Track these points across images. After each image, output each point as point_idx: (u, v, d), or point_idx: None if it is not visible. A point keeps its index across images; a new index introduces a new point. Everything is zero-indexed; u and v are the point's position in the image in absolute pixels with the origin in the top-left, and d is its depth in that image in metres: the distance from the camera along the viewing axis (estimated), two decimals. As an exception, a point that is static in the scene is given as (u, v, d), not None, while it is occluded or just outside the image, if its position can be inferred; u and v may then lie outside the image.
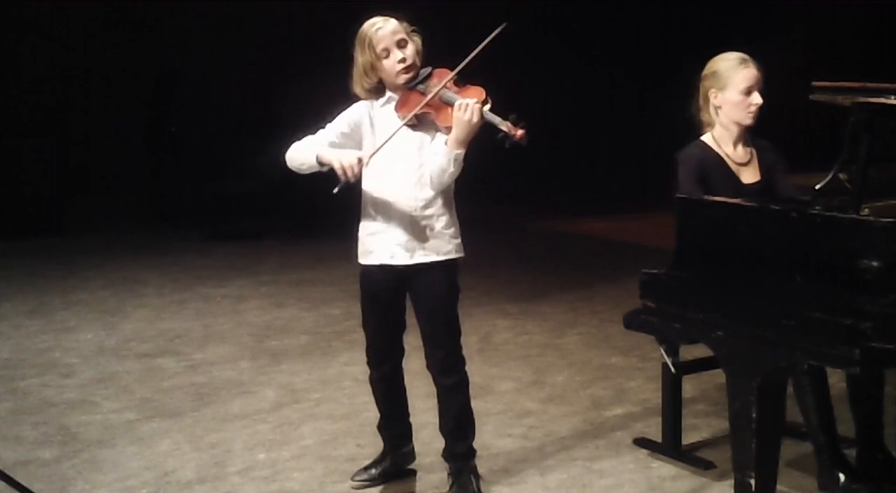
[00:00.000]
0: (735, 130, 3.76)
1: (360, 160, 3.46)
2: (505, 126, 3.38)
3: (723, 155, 3.77)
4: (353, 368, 5.40)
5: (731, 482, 3.25)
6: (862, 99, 2.98)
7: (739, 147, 3.80)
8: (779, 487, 3.25)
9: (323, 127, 3.69)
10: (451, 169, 3.51)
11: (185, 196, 10.39)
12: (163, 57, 10.57)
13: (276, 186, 9.57)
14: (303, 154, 3.60)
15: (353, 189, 3.53)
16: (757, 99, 3.69)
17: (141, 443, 4.38)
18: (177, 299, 7.20)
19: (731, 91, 3.69)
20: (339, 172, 3.44)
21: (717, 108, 3.75)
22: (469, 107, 3.41)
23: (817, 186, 3.09)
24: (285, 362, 5.61)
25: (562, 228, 10.27)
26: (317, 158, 3.54)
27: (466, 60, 3.48)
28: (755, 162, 3.81)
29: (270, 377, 5.32)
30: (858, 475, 3.71)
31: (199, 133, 10.30)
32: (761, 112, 3.71)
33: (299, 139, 3.68)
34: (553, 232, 10.09)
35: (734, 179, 3.74)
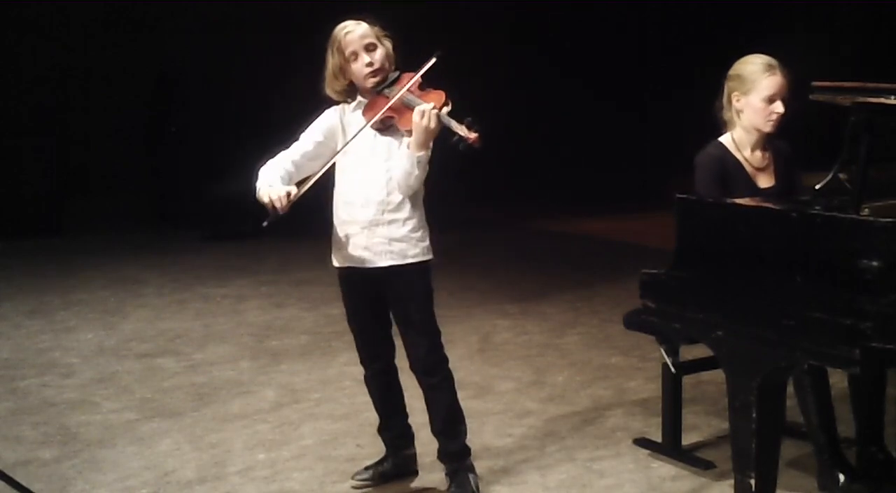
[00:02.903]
0: (755, 135, 3.74)
1: (288, 194, 3.51)
2: (461, 130, 3.43)
3: (740, 158, 3.75)
4: (353, 368, 5.38)
5: (731, 482, 3.25)
6: (862, 99, 2.98)
7: (758, 152, 3.78)
8: (779, 487, 3.25)
9: (297, 139, 3.73)
10: (416, 172, 3.55)
11: (185, 196, 10.38)
12: (163, 57, 10.58)
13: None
14: (258, 182, 3.66)
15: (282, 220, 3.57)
16: (779, 108, 3.65)
17: (141, 443, 4.38)
18: (177, 299, 7.20)
19: (754, 97, 3.65)
20: (269, 206, 3.52)
21: (738, 111, 3.73)
22: (426, 113, 3.46)
23: (817, 186, 3.09)
24: (285, 362, 5.61)
25: (562, 228, 10.27)
26: (256, 193, 3.62)
27: (424, 69, 3.56)
28: (772, 166, 3.80)
29: (270, 377, 5.32)
30: (858, 475, 3.70)
31: (199, 133, 10.30)
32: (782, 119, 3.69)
33: (279, 152, 3.73)
34: (553, 232, 10.09)
35: (750, 183, 3.73)
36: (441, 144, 3.53)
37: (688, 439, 4.25)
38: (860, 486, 3.67)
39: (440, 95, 3.56)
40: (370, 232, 3.64)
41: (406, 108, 3.56)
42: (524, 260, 8.68)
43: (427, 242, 3.73)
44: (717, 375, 3.69)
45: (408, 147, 3.54)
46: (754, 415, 3.09)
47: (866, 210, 2.94)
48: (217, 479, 3.99)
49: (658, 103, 12.70)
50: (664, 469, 4.03)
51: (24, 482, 3.64)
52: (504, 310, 6.77)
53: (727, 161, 3.73)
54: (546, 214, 10.93)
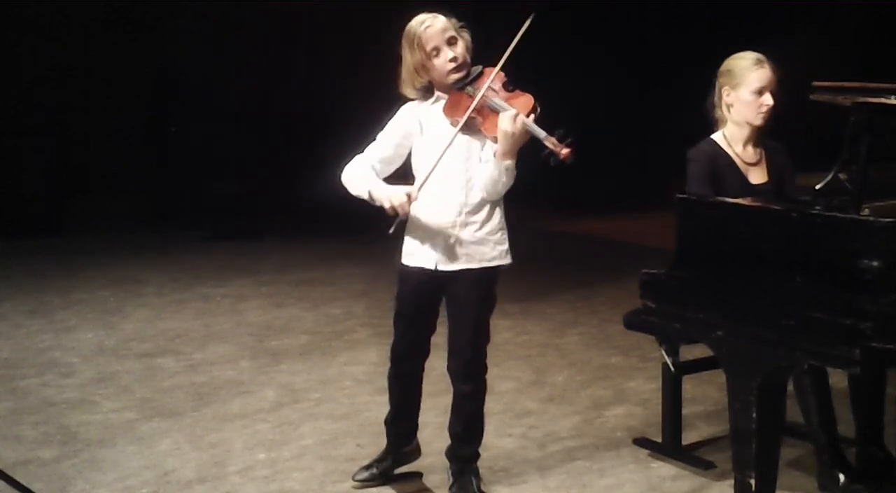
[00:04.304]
0: (746, 130, 3.77)
1: (409, 196, 3.45)
2: (549, 143, 3.32)
3: (732, 154, 3.77)
4: (353, 368, 5.41)
5: (731, 482, 3.25)
6: (862, 99, 2.98)
7: (749, 147, 3.80)
8: (779, 487, 3.25)
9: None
10: (504, 179, 3.49)
11: (185, 196, 10.39)
12: (163, 57, 10.58)
13: (276, 186, 9.58)
14: (356, 187, 3.59)
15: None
16: (768, 100, 3.69)
17: (141, 443, 4.37)
18: (177, 299, 7.20)
19: (743, 90, 3.70)
20: (390, 212, 3.45)
21: (729, 106, 3.76)
22: (512, 118, 3.35)
23: (817, 186, 3.09)
24: (285, 362, 5.61)
25: (562, 228, 10.27)
26: (369, 195, 3.54)
27: (504, 58, 3.45)
28: (764, 163, 3.82)
29: (270, 377, 5.32)
30: (858, 475, 3.70)
31: (199, 133, 10.30)
32: (772, 113, 3.71)
33: (352, 157, 3.66)
34: (553, 232, 10.09)
35: (742, 178, 3.74)
36: (530, 156, 3.42)
37: (688, 439, 4.25)
38: (860, 486, 3.67)
39: (528, 100, 3.45)
40: (447, 234, 3.57)
41: (490, 111, 3.44)
42: (524, 260, 8.65)
43: (506, 246, 3.67)
44: (717, 375, 3.69)
45: (493, 154, 3.45)
46: (754, 415, 3.09)
47: (866, 210, 2.94)
48: (217, 479, 3.99)
49: (658, 103, 12.69)
50: (664, 469, 4.03)
51: (24, 482, 3.64)
52: (504, 310, 6.72)
53: (719, 157, 3.76)
54: (546, 214, 10.94)
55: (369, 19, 3.60)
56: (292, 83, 10.39)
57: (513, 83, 3.52)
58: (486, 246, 3.61)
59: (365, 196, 3.56)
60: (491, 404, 4.78)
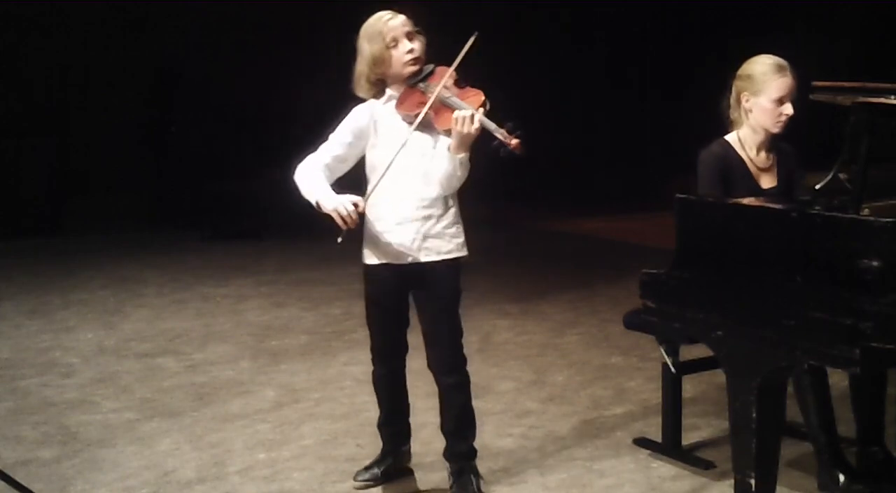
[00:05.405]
0: (762, 135, 3.74)
1: (356, 206, 3.48)
2: (500, 134, 3.39)
3: (745, 158, 3.75)
4: (353, 368, 5.40)
5: (731, 482, 3.25)
6: (862, 99, 2.98)
7: (763, 152, 3.78)
8: (779, 487, 3.25)
9: (325, 139, 3.69)
10: (459, 173, 3.54)
11: (185, 196, 10.39)
12: (163, 57, 10.57)
13: (276, 186, 9.55)
14: (306, 191, 3.62)
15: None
16: (788, 109, 3.66)
17: (141, 443, 4.38)
18: (177, 299, 7.20)
19: (763, 98, 3.66)
20: (339, 222, 3.47)
21: (747, 111, 3.72)
22: (465, 120, 3.42)
23: (817, 186, 3.09)
24: (285, 362, 5.61)
25: (562, 228, 10.27)
26: (316, 204, 3.56)
27: (458, 59, 3.51)
28: (775, 167, 3.80)
29: (270, 377, 5.32)
30: (858, 475, 3.71)
31: (199, 133, 10.30)
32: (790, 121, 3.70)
33: (304, 156, 3.68)
34: (553, 232, 10.09)
35: (753, 182, 3.73)
36: (481, 148, 3.48)
37: (688, 439, 4.25)
38: (860, 486, 3.67)
39: (479, 95, 3.51)
40: (405, 228, 3.62)
41: (443, 106, 3.51)
42: (524, 260, 8.69)
43: (462, 239, 3.71)
44: (717, 375, 3.69)
45: (448, 148, 3.51)
46: (754, 415, 3.09)
47: (866, 210, 2.94)
48: (217, 479, 3.99)
49: (659, 103, 12.69)
50: (664, 469, 4.03)
51: (24, 482, 3.64)
52: (504, 310, 6.76)
53: (730, 159, 3.74)
54: (546, 214, 10.94)
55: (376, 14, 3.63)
56: (293, 83, 10.38)
57: (463, 80, 3.59)
58: (444, 239, 3.66)
59: (312, 203, 3.58)
60: (491, 404, 4.80)
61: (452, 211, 3.69)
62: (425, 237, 3.63)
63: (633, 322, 3.99)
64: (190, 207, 10.24)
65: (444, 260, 3.66)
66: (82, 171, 10.47)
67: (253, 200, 10.16)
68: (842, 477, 3.68)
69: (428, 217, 3.63)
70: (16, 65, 10.29)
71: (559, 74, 12.44)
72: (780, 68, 3.66)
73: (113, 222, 10.01)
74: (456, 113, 3.45)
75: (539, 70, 12.39)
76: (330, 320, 6.50)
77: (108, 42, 10.63)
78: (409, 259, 3.63)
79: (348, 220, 3.46)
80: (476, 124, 3.42)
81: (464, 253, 3.72)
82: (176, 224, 10.13)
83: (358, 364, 5.49)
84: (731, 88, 3.78)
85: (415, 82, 3.60)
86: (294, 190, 3.67)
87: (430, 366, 3.77)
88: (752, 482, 3.14)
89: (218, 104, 10.30)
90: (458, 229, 3.71)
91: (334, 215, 3.48)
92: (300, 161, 3.71)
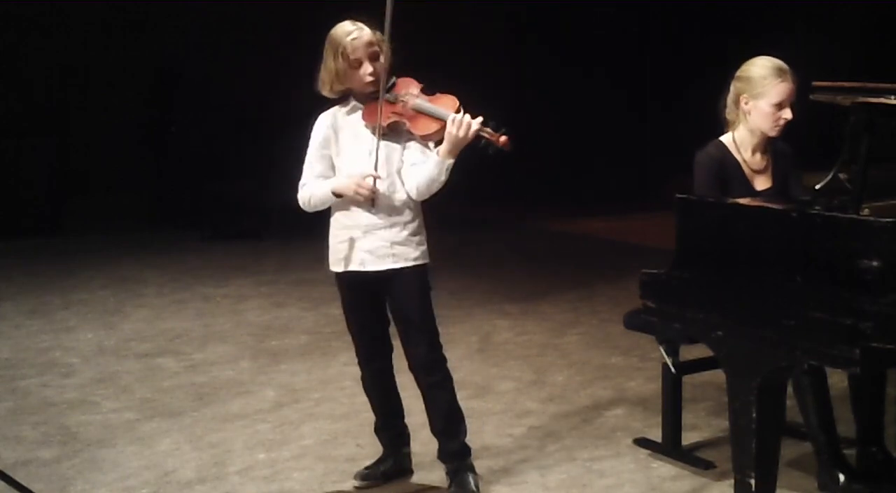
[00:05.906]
0: (758, 137, 3.74)
1: (371, 176, 3.54)
2: (486, 133, 3.42)
3: (740, 160, 3.75)
4: (354, 368, 5.35)
5: (731, 482, 3.25)
6: (862, 99, 2.97)
7: (758, 154, 3.77)
8: (779, 487, 3.25)
9: (303, 164, 3.75)
10: (442, 178, 3.57)
11: (185, 196, 10.39)
12: (162, 57, 10.57)
13: (276, 186, 9.54)
14: (318, 196, 3.69)
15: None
16: (787, 114, 3.65)
17: (141, 443, 4.38)
18: (177, 299, 7.20)
19: (763, 102, 3.64)
20: (358, 198, 3.56)
21: (745, 113, 3.71)
22: (462, 123, 3.45)
23: (817, 186, 3.09)
24: (285, 362, 5.61)
25: (562, 228, 10.27)
26: (332, 192, 3.64)
27: (387, 27, 3.53)
28: (770, 169, 3.80)
29: (270, 377, 5.32)
30: (858, 475, 3.71)
31: (199, 133, 10.31)
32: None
33: (303, 156, 3.74)
34: (553, 232, 10.09)
35: (748, 185, 3.72)
36: (467, 150, 3.53)
37: (688, 439, 4.25)
38: (860, 486, 3.67)
39: (453, 100, 3.55)
40: (371, 235, 3.65)
41: (417, 113, 3.55)
42: (524, 260, 8.68)
43: (425, 246, 3.75)
44: (717, 375, 3.69)
45: (437, 154, 3.54)
46: (754, 415, 3.09)
47: (866, 210, 2.94)
48: (217, 479, 3.99)
49: (658, 103, 12.69)
50: (664, 469, 4.03)
51: (24, 482, 3.64)
52: (504, 310, 6.77)
53: (726, 161, 3.74)
54: (546, 214, 10.94)
55: (370, 20, 3.60)
56: (292, 83, 10.37)
57: (429, 88, 3.61)
58: (411, 246, 3.69)
59: (330, 196, 3.65)
60: (491, 404, 4.80)
61: (418, 220, 3.73)
62: (392, 244, 3.66)
63: (633, 322, 4.00)
64: (190, 207, 10.25)
65: (411, 266, 3.69)
66: (82, 171, 10.48)
67: (253, 200, 10.16)
68: (842, 477, 3.68)
69: (395, 224, 3.66)
70: (16, 65, 10.29)
71: (559, 74, 12.44)
72: (780, 72, 3.63)
73: (113, 222, 10.02)
74: (451, 117, 3.47)
75: (539, 70, 12.39)
76: (330, 320, 6.49)
77: (108, 42, 10.63)
78: (376, 267, 3.66)
79: (367, 190, 3.53)
80: (475, 126, 3.45)
81: (427, 260, 3.75)
82: (176, 224, 10.13)
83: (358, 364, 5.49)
84: (729, 88, 3.77)
85: (378, 95, 3.60)
86: (295, 202, 3.72)
87: (411, 368, 3.81)
88: (752, 482, 3.14)
89: (218, 104, 10.30)
90: (422, 238, 3.74)
91: (350, 193, 3.57)
92: (301, 160, 3.75)
